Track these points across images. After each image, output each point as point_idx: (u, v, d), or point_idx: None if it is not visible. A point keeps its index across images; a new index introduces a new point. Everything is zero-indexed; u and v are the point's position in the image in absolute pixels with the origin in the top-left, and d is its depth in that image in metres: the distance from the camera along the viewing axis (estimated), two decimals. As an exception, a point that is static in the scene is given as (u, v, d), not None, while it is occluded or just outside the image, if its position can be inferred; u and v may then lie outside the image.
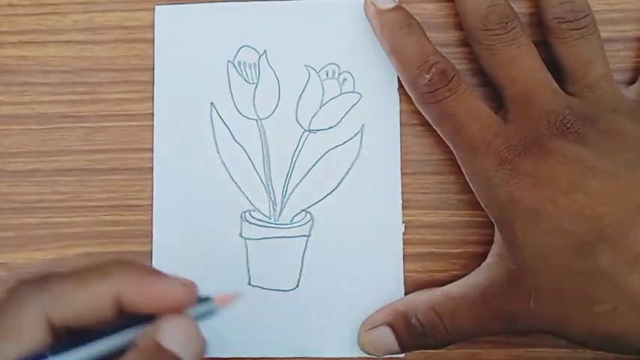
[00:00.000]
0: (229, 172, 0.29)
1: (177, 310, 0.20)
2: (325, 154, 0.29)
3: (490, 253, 0.27)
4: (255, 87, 0.30)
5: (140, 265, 0.21)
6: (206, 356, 0.29)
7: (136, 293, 0.20)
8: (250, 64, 0.30)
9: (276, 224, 0.29)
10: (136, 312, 0.20)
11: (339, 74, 0.30)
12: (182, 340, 0.20)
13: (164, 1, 0.30)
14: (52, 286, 0.19)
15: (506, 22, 0.26)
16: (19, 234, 0.30)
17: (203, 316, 0.21)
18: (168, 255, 0.29)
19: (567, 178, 0.24)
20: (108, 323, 0.20)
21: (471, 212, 0.29)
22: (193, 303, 0.21)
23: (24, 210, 0.30)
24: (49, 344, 0.19)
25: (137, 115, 0.30)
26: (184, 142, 0.30)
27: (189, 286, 0.21)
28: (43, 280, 0.20)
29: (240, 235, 0.29)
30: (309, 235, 0.29)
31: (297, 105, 0.30)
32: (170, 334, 0.19)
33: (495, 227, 0.26)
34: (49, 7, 0.30)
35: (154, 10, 0.30)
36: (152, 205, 0.29)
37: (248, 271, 0.29)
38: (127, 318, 0.20)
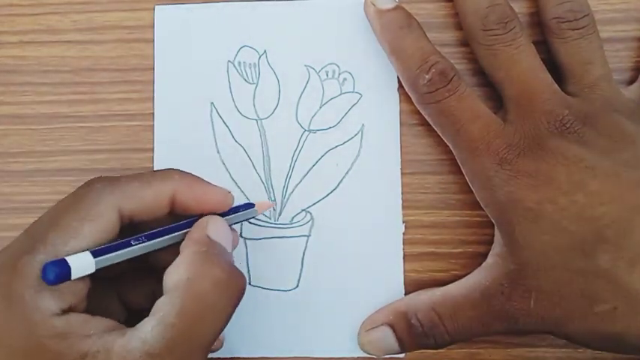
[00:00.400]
0: (229, 172, 0.29)
1: (217, 212, 0.24)
2: (325, 154, 0.29)
3: (490, 253, 0.27)
4: (255, 87, 0.30)
5: (193, 174, 0.24)
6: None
7: (188, 195, 0.23)
8: (250, 64, 0.30)
9: (276, 224, 0.29)
10: (184, 212, 0.23)
11: (339, 74, 0.30)
12: (223, 233, 0.23)
13: (164, 1, 0.30)
14: (123, 184, 0.22)
15: (506, 22, 0.26)
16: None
17: (244, 218, 0.26)
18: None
19: (567, 178, 0.24)
20: (159, 223, 0.23)
21: (470, 212, 0.29)
22: (231, 205, 0.25)
23: (24, 210, 0.30)
24: (117, 234, 0.22)
25: (137, 115, 0.30)
26: (184, 142, 0.30)
27: (228, 194, 0.25)
28: (115, 179, 0.23)
29: (240, 235, 0.29)
30: (309, 235, 0.29)
31: (297, 105, 0.30)
32: (215, 228, 0.23)
33: (495, 227, 0.26)
34: (49, 7, 0.30)
35: (153, 10, 0.30)
36: (152, 205, 0.29)
37: (248, 271, 0.29)
38: (172, 222, 0.24)
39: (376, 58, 0.29)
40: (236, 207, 0.26)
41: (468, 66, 0.29)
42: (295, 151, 0.29)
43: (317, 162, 0.29)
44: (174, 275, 0.21)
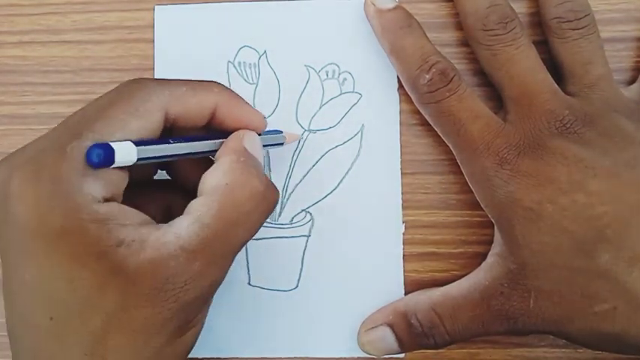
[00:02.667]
0: (229, 172, 0.29)
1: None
2: (325, 154, 0.29)
3: (490, 253, 0.27)
4: (256, 87, 0.30)
5: (233, 91, 0.25)
6: (206, 356, 0.29)
7: (227, 109, 0.24)
8: (250, 64, 0.30)
9: (276, 224, 0.29)
10: (219, 126, 0.24)
11: (339, 74, 0.30)
12: (258, 147, 0.24)
13: (164, 1, 0.30)
14: (173, 86, 0.23)
15: (506, 23, 0.26)
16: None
17: (271, 145, 0.27)
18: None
19: (567, 178, 0.24)
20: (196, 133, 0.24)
21: (470, 212, 0.29)
22: (264, 129, 0.25)
23: (24, 210, 0.30)
24: (158, 137, 0.22)
25: (137, 115, 0.30)
26: (184, 142, 0.30)
27: (264, 118, 0.25)
28: (164, 81, 0.23)
29: (240, 235, 0.29)
30: (309, 235, 0.29)
31: (297, 105, 0.30)
32: (250, 140, 0.24)
33: (495, 227, 0.26)
34: (49, 7, 0.30)
35: (153, 10, 0.30)
36: (152, 205, 0.29)
37: (248, 271, 0.29)
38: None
39: (376, 58, 0.29)
40: (265, 132, 0.26)
41: (468, 66, 0.29)
42: (295, 151, 0.29)
43: (317, 162, 0.29)
44: (213, 179, 0.22)
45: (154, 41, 0.30)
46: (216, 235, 0.21)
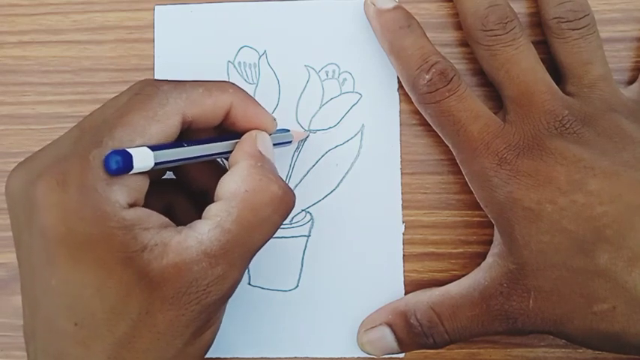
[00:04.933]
0: (229, 172, 0.29)
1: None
2: (325, 154, 0.29)
3: (490, 253, 0.27)
4: (256, 87, 0.30)
5: (245, 91, 0.25)
6: (206, 356, 0.29)
7: (241, 109, 0.24)
8: (250, 64, 0.30)
9: (276, 224, 0.29)
10: (231, 127, 0.24)
11: (339, 74, 0.30)
12: (270, 148, 0.24)
13: (164, 1, 0.30)
14: (189, 89, 0.23)
15: (506, 23, 0.26)
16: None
17: (280, 143, 0.27)
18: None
19: (566, 178, 0.24)
20: (208, 134, 0.24)
21: (470, 212, 0.29)
22: (274, 130, 0.25)
23: (24, 210, 0.30)
24: (176, 137, 0.22)
25: (137, 115, 0.30)
26: (184, 142, 0.30)
27: (274, 119, 0.25)
28: (181, 83, 0.23)
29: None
30: (309, 235, 0.29)
31: (297, 105, 0.30)
32: (263, 142, 0.24)
33: (495, 227, 0.26)
34: (49, 7, 0.30)
35: (153, 10, 0.30)
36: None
37: (248, 271, 0.29)
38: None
39: (376, 58, 0.29)
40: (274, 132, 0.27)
41: (468, 66, 0.29)
42: (295, 151, 0.29)
43: (317, 162, 0.29)
44: (231, 184, 0.22)
45: (154, 41, 0.30)
46: (236, 240, 0.21)
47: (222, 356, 0.29)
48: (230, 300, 0.29)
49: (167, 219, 0.22)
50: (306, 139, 0.29)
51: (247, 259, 0.23)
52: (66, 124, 0.30)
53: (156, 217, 0.21)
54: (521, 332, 0.26)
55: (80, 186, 0.20)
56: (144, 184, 0.22)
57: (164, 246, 0.20)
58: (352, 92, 0.29)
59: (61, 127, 0.30)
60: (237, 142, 0.24)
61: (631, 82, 0.29)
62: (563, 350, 0.29)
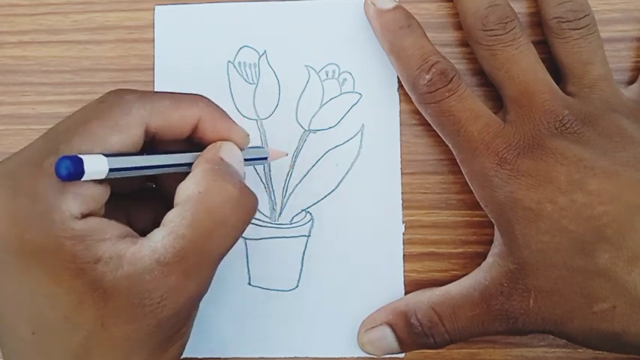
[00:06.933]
0: (229, 172, 0.29)
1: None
2: (325, 154, 0.29)
3: (490, 253, 0.27)
4: (256, 87, 0.30)
5: (217, 106, 0.24)
6: (206, 356, 0.29)
7: (210, 124, 0.23)
8: (250, 64, 0.30)
9: (276, 224, 0.29)
10: (200, 141, 0.24)
11: (339, 74, 0.30)
12: (235, 157, 0.24)
13: (164, 1, 0.30)
14: (155, 100, 0.22)
15: (506, 23, 0.26)
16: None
17: (254, 159, 0.26)
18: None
19: (566, 177, 0.24)
20: (177, 146, 0.24)
21: (471, 212, 0.29)
22: (246, 145, 0.25)
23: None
24: (138, 151, 0.22)
25: (137, 115, 0.30)
26: (184, 142, 0.30)
27: (247, 135, 0.25)
28: (147, 93, 0.22)
29: (240, 235, 0.29)
30: (309, 235, 0.29)
31: (297, 105, 0.30)
32: (227, 150, 0.23)
33: (495, 227, 0.26)
34: (49, 7, 0.30)
35: (153, 10, 0.30)
36: (152, 205, 0.29)
37: (248, 271, 0.29)
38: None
39: (376, 58, 0.29)
40: (249, 147, 0.26)
41: (468, 66, 0.29)
42: (295, 151, 0.29)
43: (317, 162, 0.29)
44: (187, 190, 0.21)
45: (154, 41, 0.30)
46: (192, 245, 0.20)
47: (222, 356, 0.29)
48: (230, 300, 0.29)
49: (128, 229, 0.21)
50: (306, 138, 0.29)
51: (206, 268, 0.21)
52: (66, 124, 0.30)
53: (113, 227, 0.20)
54: (522, 332, 0.26)
55: (30, 193, 0.19)
56: (102, 193, 0.21)
57: (119, 257, 0.20)
58: (352, 92, 0.29)
59: (61, 127, 0.30)
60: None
61: (631, 82, 0.29)
62: (563, 350, 0.29)
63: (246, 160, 0.25)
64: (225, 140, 0.24)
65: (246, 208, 0.22)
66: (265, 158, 0.27)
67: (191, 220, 0.21)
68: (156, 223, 0.24)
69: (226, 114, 0.24)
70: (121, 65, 0.30)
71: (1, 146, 0.30)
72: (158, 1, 0.30)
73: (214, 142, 0.24)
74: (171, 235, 0.20)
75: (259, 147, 0.27)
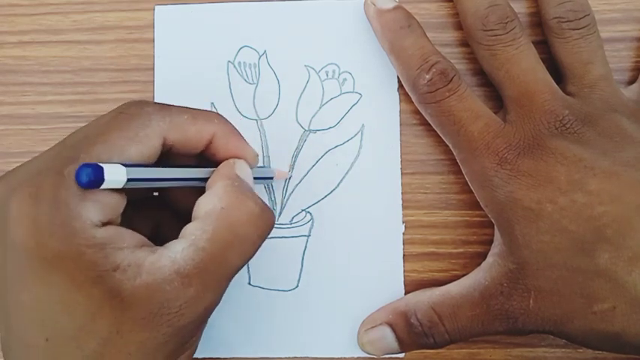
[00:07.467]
0: (229, 172, 0.29)
1: None
2: (325, 154, 0.29)
3: (490, 253, 0.27)
4: (256, 87, 0.30)
5: (231, 123, 0.25)
6: (206, 356, 0.29)
7: (224, 141, 0.24)
8: (250, 64, 0.30)
9: (275, 224, 0.29)
10: (211, 157, 0.24)
11: (339, 74, 0.30)
12: (248, 174, 0.24)
13: (164, 1, 0.30)
14: (174, 114, 0.23)
15: (506, 23, 0.26)
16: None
17: (260, 178, 0.27)
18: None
19: (567, 177, 0.24)
20: (187, 161, 0.24)
21: (470, 212, 0.29)
22: (255, 165, 0.26)
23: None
24: (156, 159, 0.22)
25: (137, 115, 0.30)
26: (184, 142, 0.30)
27: (256, 155, 0.25)
28: (166, 106, 0.23)
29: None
30: (309, 235, 0.29)
31: (297, 105, 0.30)
32: (241, 168, 0.24)
33: (495, 227, 0.26)
34: (49, 7, 0.30)
35: (153, 10, 0.30)
36: (152, 205, 0.29)
37: (248, 271, 0.29)
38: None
39: (376, 58, 0.29)
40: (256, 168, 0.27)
41: (468, 66, 0.29)
42: (295, 151, 0.29)
43: (317, 162, 0.29)
44: (208, 204, 0.22)
45: (154, 41, 0.30)
46: (211, 259, 0.21)
47: (222, 356, 0.29)
48: (230, 300, 0.29)
49: (144, 238, 0.21)
50: (306, 138, 0.29)
51: (223, 281, 0.22)
52: (66, 124, 0.30)
53: (131, 236, 0.21)
54: (522, 332, 0.26)
55: (52, 201, 0.19)
56: (119, 202, 0.21)
57: (137, 266, 0.20)
58: (352, 92, 0.29)
59: (61, 127, 0.30)
60: (214, 170, 0.24)
61: (631, 82, 0.29)
62: (563, 350, 0.29)
63: (254, 179, 0.25)
64: (237, 158, 0.24)
65: (265, 224, 0.23)
66: (271, 178, 0.28)
67: (212, 234, 0.21)
68: (154, 230, 0.24)
69: (239, 133, 0.25)
70: (121, 65, 0.30)
71: (1, 146, 0.30)
72: (158, 1, 0.30)
73: (226, 159, 0.24)
74: (192, 247, 0.21)
75: (265, 167, 0.28)
